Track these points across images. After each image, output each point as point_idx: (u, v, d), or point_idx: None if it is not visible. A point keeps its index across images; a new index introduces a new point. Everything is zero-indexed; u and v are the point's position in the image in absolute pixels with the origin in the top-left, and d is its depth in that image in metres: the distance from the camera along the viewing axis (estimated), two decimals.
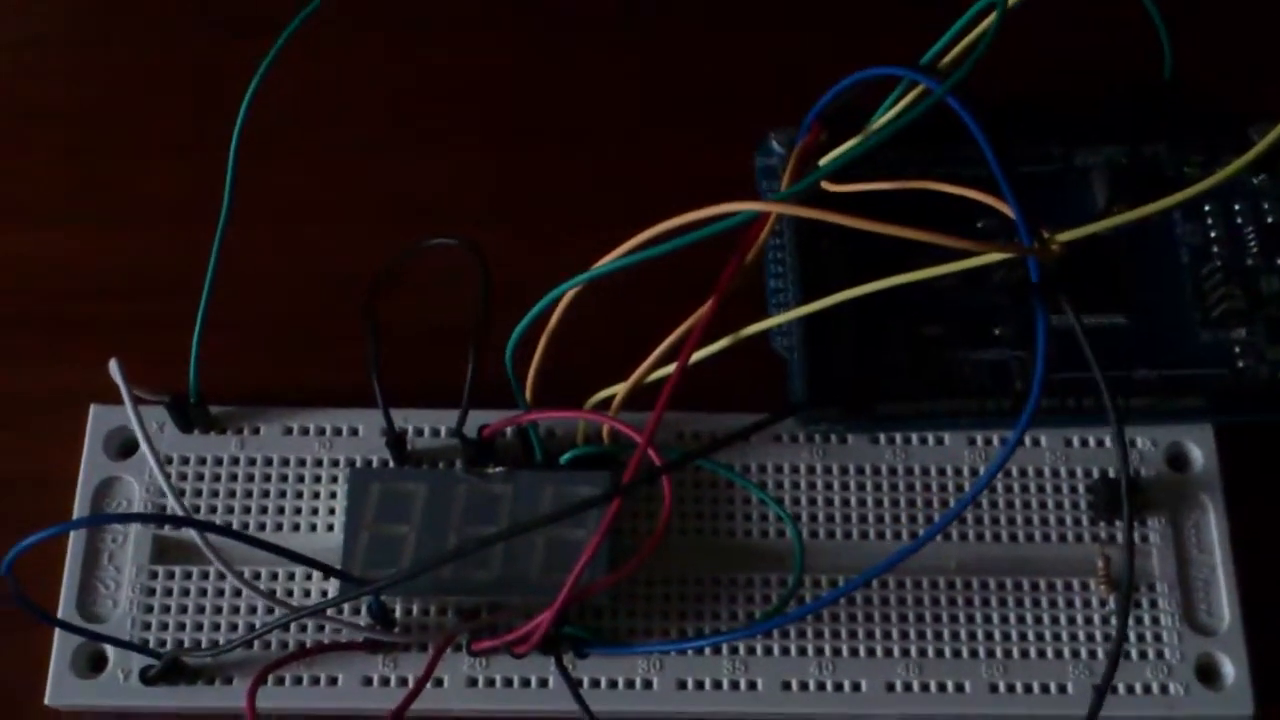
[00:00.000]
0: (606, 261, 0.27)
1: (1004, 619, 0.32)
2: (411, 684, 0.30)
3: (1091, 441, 0.34)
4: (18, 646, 0.31)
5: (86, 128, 0.38)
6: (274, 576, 0.32)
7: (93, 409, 0.33)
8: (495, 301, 0.30)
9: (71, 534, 0.32)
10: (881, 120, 0.29)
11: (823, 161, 0.30)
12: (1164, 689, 0.31)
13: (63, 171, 0.38)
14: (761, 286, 0.35)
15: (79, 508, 0.32)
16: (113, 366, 0.28)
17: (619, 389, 0.30)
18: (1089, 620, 0.32)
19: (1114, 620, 0.32)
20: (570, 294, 0.28)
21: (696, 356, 0.28)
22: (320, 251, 0.36)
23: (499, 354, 0.30)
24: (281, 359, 0.35)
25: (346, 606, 0.31)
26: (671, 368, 0.28)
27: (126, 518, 0.31)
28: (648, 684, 0.31)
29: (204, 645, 0.31)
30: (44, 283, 0.36)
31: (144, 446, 0.28)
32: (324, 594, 0.32)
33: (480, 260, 0.30)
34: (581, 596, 0.29)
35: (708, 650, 0.31)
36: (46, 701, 0.31)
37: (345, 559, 0.31)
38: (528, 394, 0.31)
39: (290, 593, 0.32)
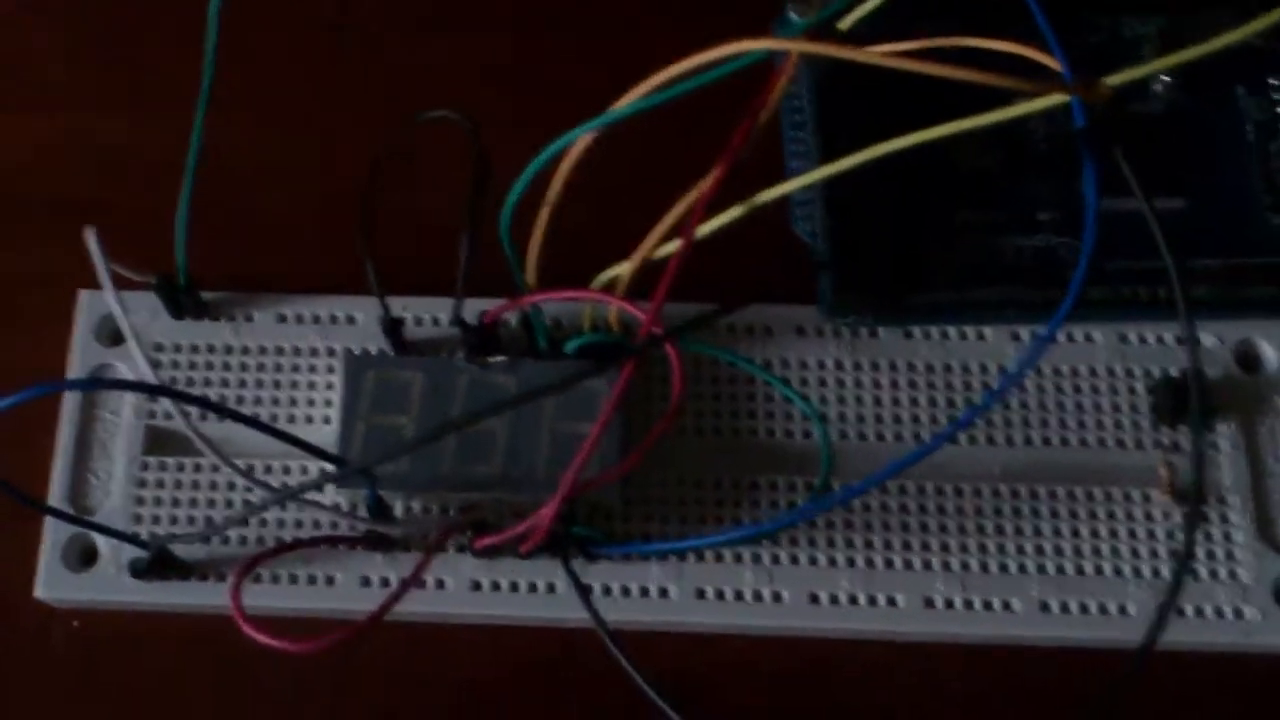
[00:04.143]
0: (618, 107, 0.25)
1: (1056, 532, 0.29)
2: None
3: (1151, 338, 0.31)
4: (6, 539, 0.30)
5: (82, 7, 0.36)
6: (268, 469, 0.30)
7: (82, 294, 0.32)
8: (494, 185, 0.28)
9: (63, 424, 0.31)
10: None
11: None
12: (1238, 613, 0.29)
13: (56, 54, 0.36)
14: (782, 166, 0.32)
15: (69, 396, 0.31)
16: (89, 237, 0.26)
17: (624, 268, 0.28)
18: (1151, 535, 0.29)
19: (1180, 535, 0.29)
20: (577, 150, 0.26)
21: (706, 228, 0.25)
22: (313, 136, 0.34)
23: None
24: (275, 246, 0.33)
25: (344, 504, 0.29)
26: (676, 244, 0.26)
27: (95, 384, 0.30)
28: (664, 592, 0.29)
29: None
30: (38, 166, 0.34)
31: (120, 322, 0.26)
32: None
33: (475, 133, 0.28)
34: (589, 487, 0.27)
35: (729, 558, 0.29)
36: (36, 594, 0.29)
37: (341, 449, 0.29)
38: (529, 275, 0.29)
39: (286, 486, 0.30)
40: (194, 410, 0.29)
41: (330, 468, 0.27)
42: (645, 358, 0.30)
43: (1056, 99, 0.23)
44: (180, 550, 0.29)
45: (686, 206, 0.25)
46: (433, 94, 0.34)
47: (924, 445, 0.24)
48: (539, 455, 0.29)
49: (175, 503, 0.30)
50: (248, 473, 0.28)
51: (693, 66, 0.23)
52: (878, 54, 0.23)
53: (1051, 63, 0.24)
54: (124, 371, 0.31)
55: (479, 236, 0.28)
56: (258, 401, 0.31)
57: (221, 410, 0.25)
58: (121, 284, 0.29)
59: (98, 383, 0.30)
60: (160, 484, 0.30)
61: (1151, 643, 0.23)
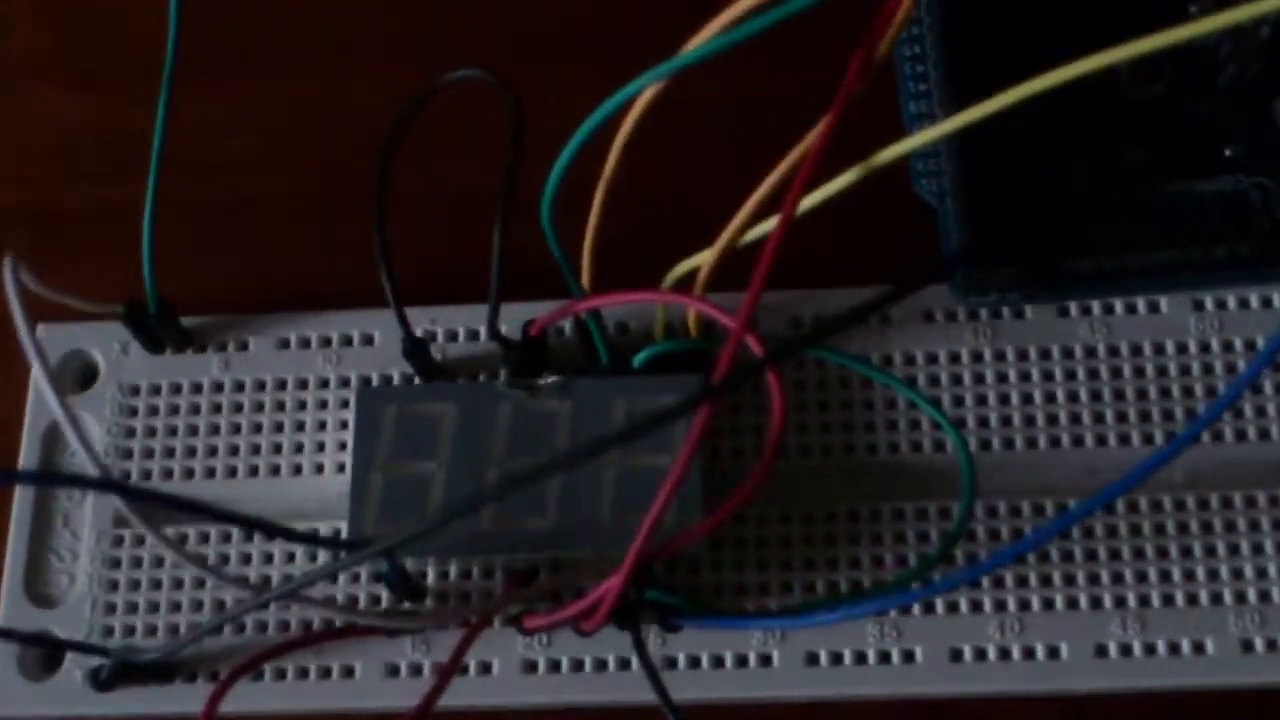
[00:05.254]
0: (689, 49, 0.18)
1: (1257, 549, 0.23)
2: None
3: None
4: None
5: None
6: (269, 536, 0.24)
7: (40, 329, 0.26)
8: (535, 152, 0.22)
9: (17, 493, 0.25)
10: None
11: None
12: None
13: (20, 25, 0.30)
14: (898, 116, 0.25)
15: (26, 453, 0.25)
16: (5, 271, 0.21)
17: (704, 257, 0.21)
18: None
19: None
20: (639, 108, 0.19)
21: (808, 202, 0.19)
22: (312, 108, 0.28)
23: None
24: (271, 251, 0.27)
25: (365, 575, 0.23)
26: (775, 221, 0.19)
27: (21, 478, 0.24)
28: (765, 660, 0.23)
29: (179, 633, 0.23)
30: None
31: (43, 382, 0.20)
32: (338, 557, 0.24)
33: (511, 96, 0.22)
34: (667, 551, 0.21)
35: None
36: None
37: (353, 509, 0.23)
38: (584, 273, 0.23)
39: (291, 557, 0.24)
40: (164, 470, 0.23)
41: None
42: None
43: (1271, 6, 0.17)
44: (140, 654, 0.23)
45: (782, 174, 0.19)
46: (460, 55, 0.28)
47: (1175, 442, 0.17)
48: (603, 498, 0.23)
49: (154, 584, 0.24)
50: (238, 578, 0.22)
51: None
52: None
53: None
54: (89, 424, 0.25)
55: (517, 227, 0.22)
56: (255, 450, 0.25)
57: (185, 506, 0.19)
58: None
59: (23, 477, 0.24)
60: (136, 562, 0.24)
61: None
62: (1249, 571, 0.23)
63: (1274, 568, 0.23)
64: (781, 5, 0.16)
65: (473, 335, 0.25)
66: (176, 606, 0.24)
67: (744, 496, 0.21)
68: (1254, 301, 0.24)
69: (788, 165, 0.19)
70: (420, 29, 0.29)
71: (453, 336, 0.25)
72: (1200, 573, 0.23)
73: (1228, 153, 0.25)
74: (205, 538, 0.24)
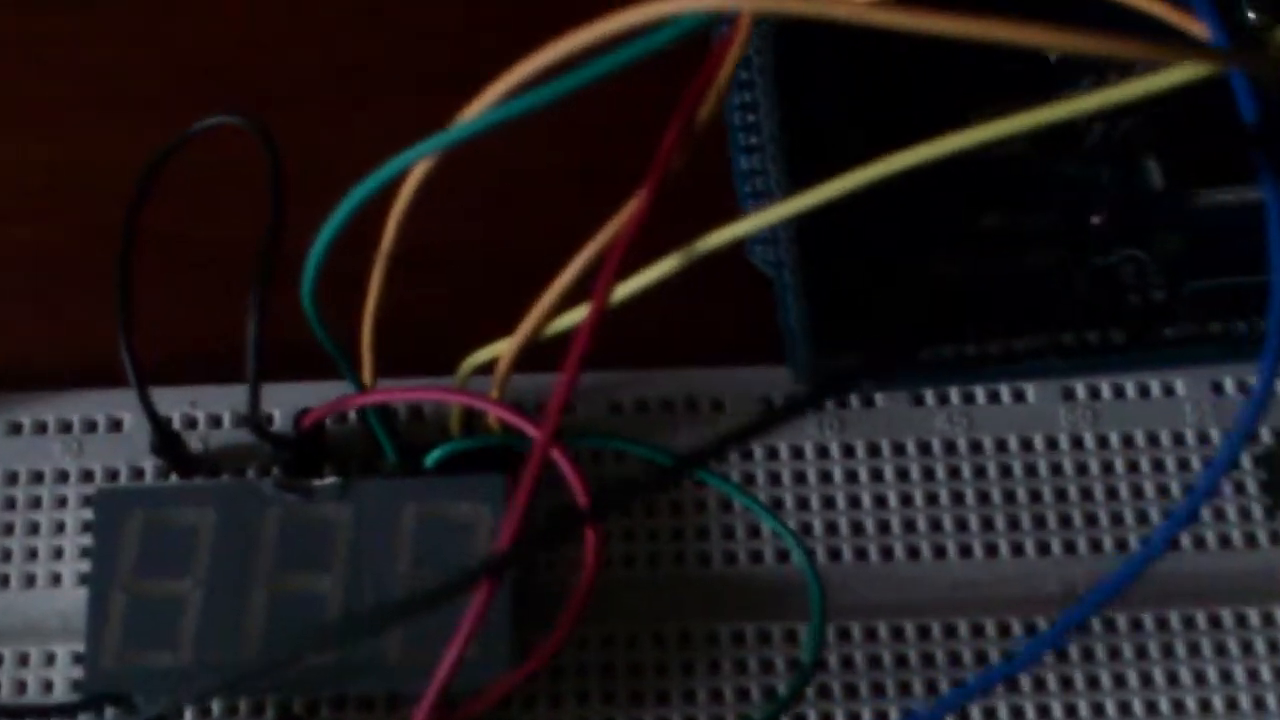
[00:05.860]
0: (474, 115, 0.15)
1: (1200, 679, 0.20)
2: None
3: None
4: None
5: None
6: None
7: None
8: (297, 208, 0.19)
9: None
10: None
11: None
12: None
13: None
14: (727, 169, 0.22)
15: None
16: None
17: (503, 347, 0.18)
18: None
19: None
20: (411, 185, 0.16)
21: (624, 291, 0.16)
22: (67, 156, 0.24)
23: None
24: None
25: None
26: (583, 311, 0.16)
27: None
28: None
29: None
30: None
31: None
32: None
33: (268, 144, 0.18)
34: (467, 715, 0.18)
35: None
36: None
37: (90, 638, 0.19)
38: (363, 363, 0.19)
39: (23, 685, 0.20)
40: None
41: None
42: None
43: (1192, 72, 0.14)
44: None
45: (589, 258, 0.16)
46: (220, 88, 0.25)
47: (1131, 561, 0.15)
48: (390, 634, 0.19)
49: None
50: None
51: (572, 51, 0.13)
52: (893, 13, 0.13)
53: (1171, 15, 0.15)
54: None
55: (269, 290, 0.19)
56: None
57: None
58: None
59: None
60: None
61: None
62: (1138, 707, 0.20)
63: (1166, 702, 0.20)
64: (558, 81, 0.13)
65: (241, 421, 0.22)
66: None
67: (543, 661, 0.17)
68: (1130, 390, 0.22)
69: (597, 247, 0.16)
70: (199, 68, 0.25)
71: (217, 422, 0.22)
72: (1083, 708, 0.20)
73: (1095, 220, 0.22)
74: None
